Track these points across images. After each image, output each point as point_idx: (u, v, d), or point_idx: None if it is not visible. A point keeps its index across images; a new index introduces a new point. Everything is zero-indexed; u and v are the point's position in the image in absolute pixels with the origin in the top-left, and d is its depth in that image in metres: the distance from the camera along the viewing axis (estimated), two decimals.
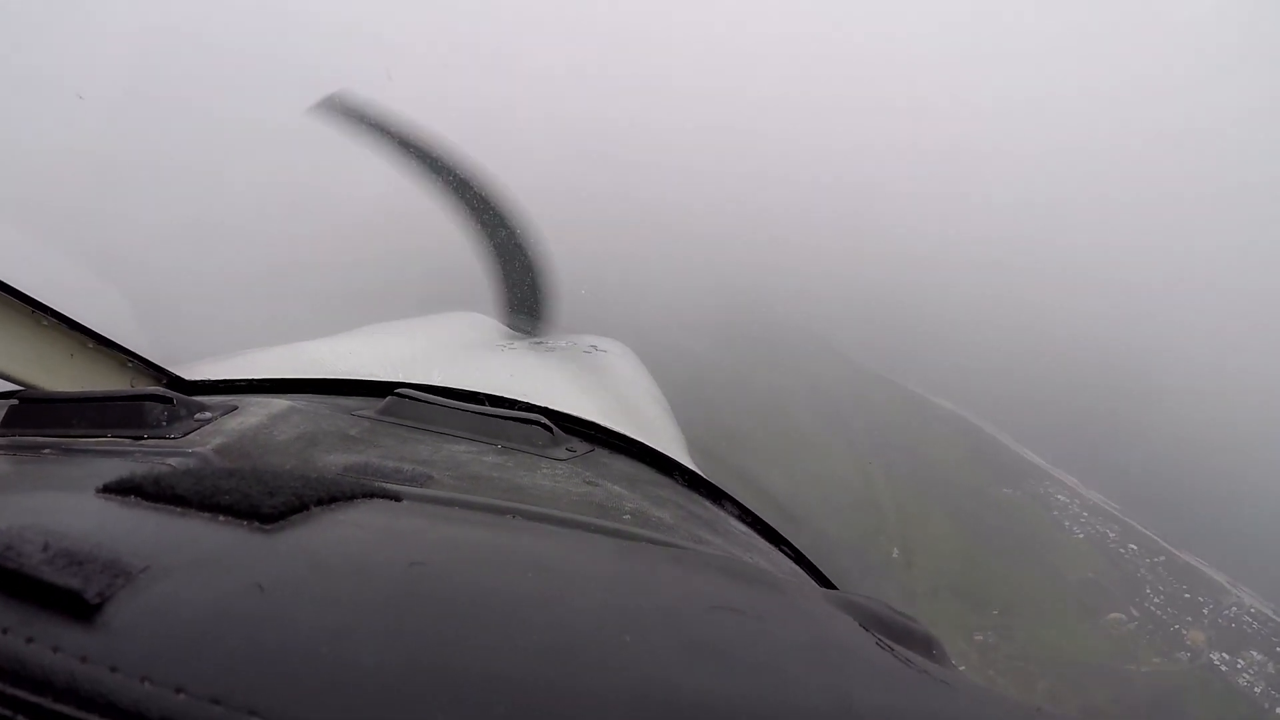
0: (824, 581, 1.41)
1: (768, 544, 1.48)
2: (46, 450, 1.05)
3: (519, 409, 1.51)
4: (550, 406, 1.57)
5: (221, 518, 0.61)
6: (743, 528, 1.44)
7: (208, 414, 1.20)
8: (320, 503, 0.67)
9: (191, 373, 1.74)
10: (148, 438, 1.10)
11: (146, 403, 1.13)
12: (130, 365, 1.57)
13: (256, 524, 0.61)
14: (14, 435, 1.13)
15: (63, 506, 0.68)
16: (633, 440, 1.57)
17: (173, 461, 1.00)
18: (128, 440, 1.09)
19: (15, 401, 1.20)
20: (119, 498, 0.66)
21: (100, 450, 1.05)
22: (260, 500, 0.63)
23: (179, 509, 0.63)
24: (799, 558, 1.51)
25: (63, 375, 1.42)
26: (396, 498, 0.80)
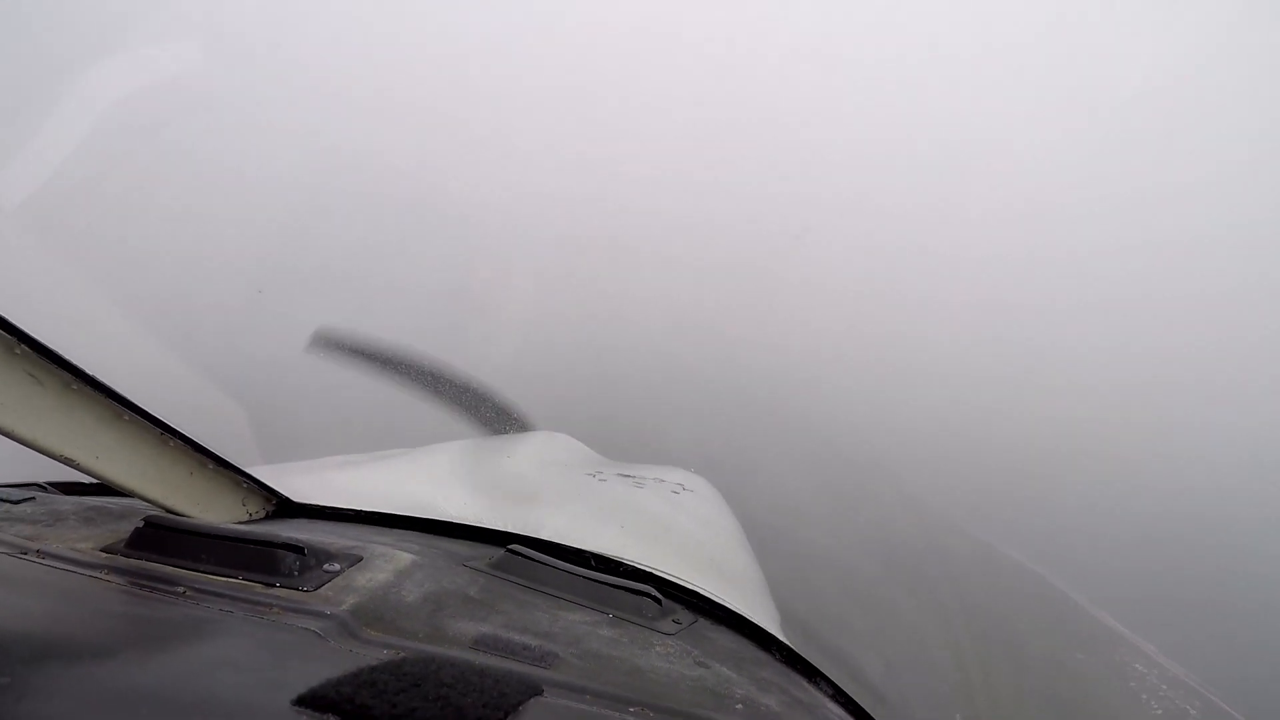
0: None
1: None
2: (181, 589, 1.07)
3: (627, 574, 1.58)
4: (655, 570, 1.64)
5: None
6: (839, 710, 1.44)
7: (335, 565, 1.24)
8: None
9: (285, 481, 1.73)
10: (279, 586, 1.12)
11: (279, 550, 1.17)
12: (244, 485, 1.55)
13: None
14: (144, 559, 1.16)
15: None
16: (732, 612, 1.60)
17: (315, 626, 1.02)
18: (260, 586, 1.11)
19: (142, 524, 1.22)
20: (318, 715, 0.69)
21: (238, 596, 1.07)
22: None
23: None
24: None
25: (181, 493, 1.43)
26: (539, 690, 0.86)
